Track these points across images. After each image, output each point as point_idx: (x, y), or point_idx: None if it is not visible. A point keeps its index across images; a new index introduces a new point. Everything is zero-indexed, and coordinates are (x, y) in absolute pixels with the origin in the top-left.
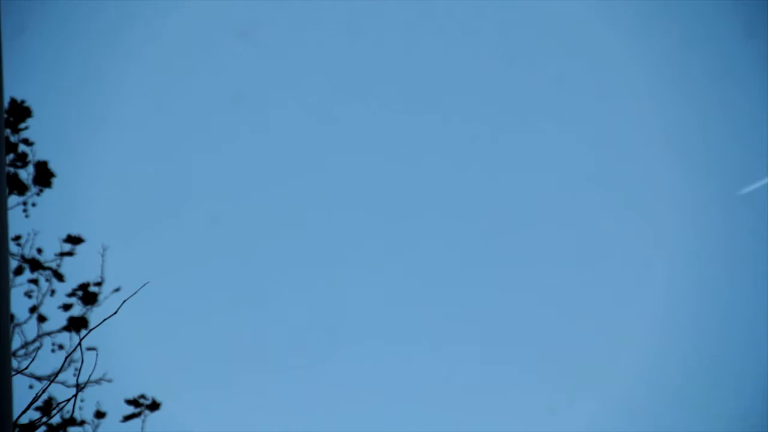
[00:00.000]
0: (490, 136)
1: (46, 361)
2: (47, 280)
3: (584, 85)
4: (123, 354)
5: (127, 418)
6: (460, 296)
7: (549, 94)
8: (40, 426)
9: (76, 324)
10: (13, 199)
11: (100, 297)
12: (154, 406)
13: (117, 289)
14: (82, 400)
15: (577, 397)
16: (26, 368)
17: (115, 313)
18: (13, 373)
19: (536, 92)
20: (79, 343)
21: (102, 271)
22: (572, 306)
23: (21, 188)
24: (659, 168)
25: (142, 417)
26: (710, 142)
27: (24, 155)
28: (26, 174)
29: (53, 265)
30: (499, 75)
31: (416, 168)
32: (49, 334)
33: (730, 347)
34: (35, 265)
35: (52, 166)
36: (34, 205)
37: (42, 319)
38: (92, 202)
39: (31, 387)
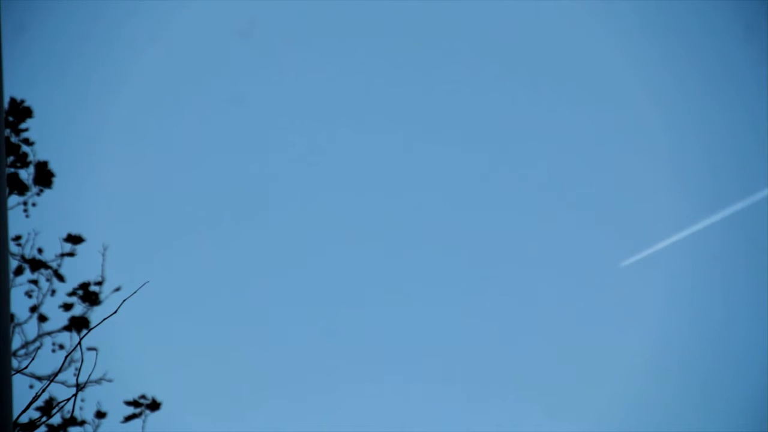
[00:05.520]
0: (487, 154)
1: (46, 361)
2: (48, 279)
3: (582, 90)
4: (124, 354)
5: (127, 418)
6: (454, 326)
7: (546, 100)
8: (40, 426)
9: (77, 324)
10: (14, 199)
11: (101, 296)
12: (154, 405)
13: (117, 289)
14: (82, 400)
15: (571, 414)
16: (26, 368)
17: (115, 312)
18: (13, 372)
19: (533, 99)
20: (79, 343)
21: (102, 271)
22: (564, 324)
23: (21, 188)
24: (657, 175)
25: (142, 417)
26: (709, 147)
27: (24, 155)
28: (27, 174)
29: (54, 264)
30: (497, 88)
31: (411, 177)
32: (49, 333)
33: (723, 364)
34: (35, 264)
35: (53, 166)
36: (34, 205)
37: (42, 318)
38: (93, 202)
39: (31, 387)
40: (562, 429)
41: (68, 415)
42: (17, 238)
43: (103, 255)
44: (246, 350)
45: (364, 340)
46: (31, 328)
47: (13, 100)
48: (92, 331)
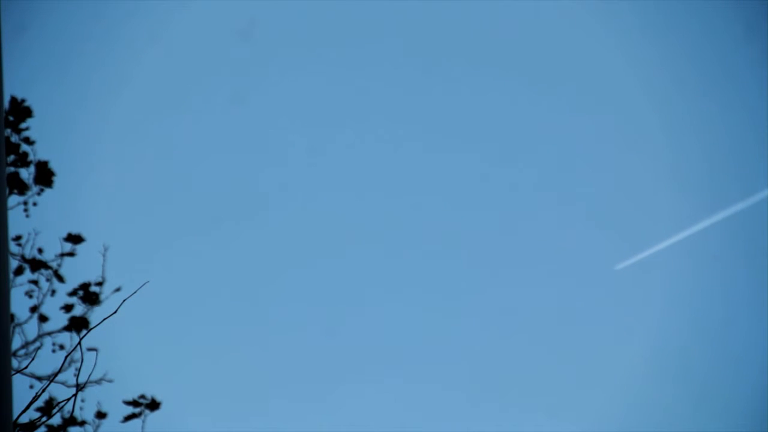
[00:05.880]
0: (484, 161)
1: (46, 361)
2: (48, 280)
3: (581, 90)
4: (124, 354)
5: (127, 418)
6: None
7: (545, 100)
8: (40, 426)
9: (77, 324)
10: (14, 199)
11: (101, 297)
12: (154, 405)
13: (118, 289)
14: (82, 400)
15: (571, 414)
16: (26, 368)
17: (115, 312)
18: (13, 372)
19: (532, 99)
20: (79, 343)
21: (103, 271)
22: (560, 329)
23: (22, 188)
24: (657, 176)
25: (142, 417)
26: (709, 147)
27: (25, 155)
28: (27, 173)
29: (54, 264)
30: (495, 88)
31: (411, 178)
32: (49, 333)
33: (723, 365)
34: (36, 264)
35: (53, 166)
36: (35, 204)
37: (43, 318)
38: (93, 202)
39: (31, 387)
40: (562, 429)
41: (68, 415)
42: (17, 237)
43: (104, 255)
44: (246, 350)
45: (365, 340)
46: (31, 328)
47: (13, 100)
48: (92, 331)
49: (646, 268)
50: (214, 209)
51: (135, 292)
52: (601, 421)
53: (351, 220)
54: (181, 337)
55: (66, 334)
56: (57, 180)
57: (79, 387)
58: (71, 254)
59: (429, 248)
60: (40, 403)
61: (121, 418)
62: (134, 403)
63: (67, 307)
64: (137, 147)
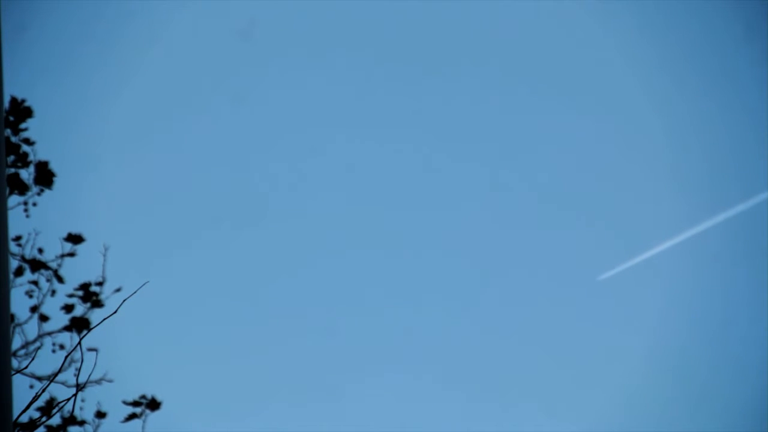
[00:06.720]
0: (483, 159)
1: (46, 361)
2: (48, 280)
3: (579, 91)
4: (124, 354)
5: (127, 418)
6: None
7: (544, 101)
8: (40, 426)
9: (77, 324)
10: (14, 199)
11: (102, 297)
12: (154, 405)
13: (118, 289)
14: (82, 400)
15: (571, 414)
16: (26, 368)
17: (115, 312)
18: (13, 372)
19: (530, 101)
20: (79, 343)
21: (103, 271)
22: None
23: (22, 188)
24: (657, 177)
25: (142, 417)
26: (709, 148)
27: (25, 155)
28: (27, 174)
29: (54, 265)
30: (494, 90)
31: (410, 180)
32: (49, 333)
33: (723, 365)
34: (36, 265)
35: (53, 166)
36: (35, 205)
37: (43, 318)
38: (93, 202)
39: (31, 387)
40: (562, 429)
41: (68, 415)
42: (18, 238)
43: (104, 255)
44: (246, 351)
45: (365, 341)
46: (31, 328)
47: (13, 100)
48: (92, 331)
49: (646, 269)
50: (213, 209)
51: (135, 292)
52: (600, 421)
53: (351, 221)
54: (181, 337)
55: (66, 334)
56: (57, 180)
57: (79, 387)
58: (71, 254)
59: (429, 248)
60: (40, 403)
61: (122, 419)
62: (134, 404)
63: (68, 307)
64: (137, 147)
